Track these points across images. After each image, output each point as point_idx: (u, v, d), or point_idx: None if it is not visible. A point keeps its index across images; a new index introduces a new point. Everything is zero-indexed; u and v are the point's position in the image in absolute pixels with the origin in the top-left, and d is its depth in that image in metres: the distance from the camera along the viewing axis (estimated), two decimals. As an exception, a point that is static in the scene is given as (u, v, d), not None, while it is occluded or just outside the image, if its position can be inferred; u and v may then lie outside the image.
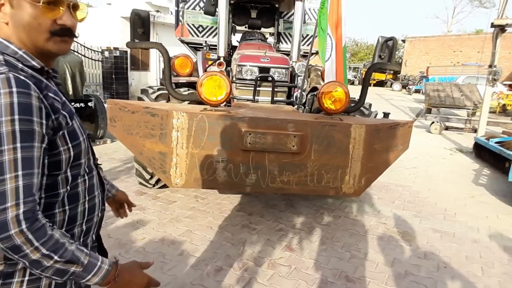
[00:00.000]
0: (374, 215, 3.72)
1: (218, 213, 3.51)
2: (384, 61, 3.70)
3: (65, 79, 5.38)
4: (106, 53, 10.65)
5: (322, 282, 2.50)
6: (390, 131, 3.10)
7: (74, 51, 9.51)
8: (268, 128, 2.69)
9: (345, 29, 3.07)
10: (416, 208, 3.98)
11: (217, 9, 5.72)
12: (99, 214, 1.07)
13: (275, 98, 3.74)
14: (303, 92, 4.10)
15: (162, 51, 3.15)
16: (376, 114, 4.13)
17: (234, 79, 3.78)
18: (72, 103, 4.87)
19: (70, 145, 0.90)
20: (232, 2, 5.67)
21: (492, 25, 6.20)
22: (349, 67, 33.51)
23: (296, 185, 2.85)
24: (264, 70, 3.67)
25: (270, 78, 3.62)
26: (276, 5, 5.84)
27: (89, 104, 5.58)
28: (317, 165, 2.82)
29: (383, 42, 3.67)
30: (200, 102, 3.52)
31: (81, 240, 0.98)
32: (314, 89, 4.50)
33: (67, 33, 0.92)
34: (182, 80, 4.20)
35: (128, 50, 11.29)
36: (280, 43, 6.23)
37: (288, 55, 6.22)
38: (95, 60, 10.75)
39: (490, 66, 6.37)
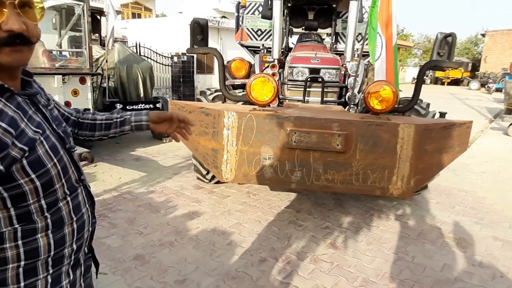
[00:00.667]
0: (429, 219, 3.57)
1: (267, 209, 3.67)
2: (443, 59, 3.55)
3: (137, 83, 5.99)
4: (175, 59, 11.47)
5: (363, 281, 2.52)
6: (444, 132, 2.98)
7: (147, 57, 10.45)
8: (312, 127, 2.78)
9: (395, 27, 3.02)
10: (478, 214, 3.72)
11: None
12: (90, 229, 0.99)
13: (325, 99, 3.78)
14: (355, 92, 4.08)
15: (216, 55, 3.41)
16: (434, 114, 3.94)
17: (285, 80, 3.91)
18: (143, 105, 5.42)
19: (33, 176, 0.78)
20: (289, 4, 5.81)
21: None
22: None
23: (340, 184, 2.89)
24: (314, 71, 3.74)
25: (319, 79, 3.68)
26: (334, 5, 5.83)
27: (157, 105, 6.14)
28: (363, 164, 2.84)
29: (442, 38, 3.52)
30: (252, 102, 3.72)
31: (73, 257, 0.92)
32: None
33: (17, 41, 0.75)
34: (238, 82, 4.45)
35: (195, 55, 12.03)
36: (338, 43, 6.19)
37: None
38: (165, 65, 11.65)
39: None
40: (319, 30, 6.02)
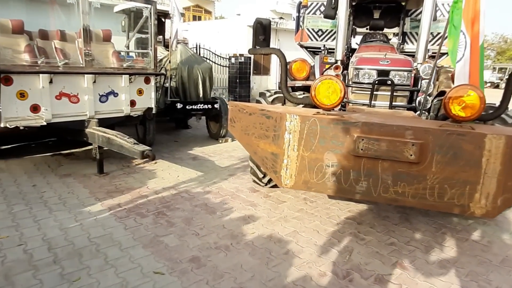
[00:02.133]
0: (513, 243, 3.13)
1: (325, 218, 3.48)
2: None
3: (197, 83, 6.11)
4: (233, 60, 11.64)
5: (437, 309, 2.24)
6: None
7: (206, 58, 10.71)
8: (383, 134, 2.56)
9: (483, 25, 2.66)
10: None
11: (337, 12, 5.66)
12: None
13: (394, 103, 3.50)
14: (427, 97, 3.72)
15: (280, 56, 3.29)
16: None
17: (350, 82, 3.68)
18: (201, 104, 5.51)
19: None
20: (353, 3, 5.53)
21: None
22: (494, 68, 28.72)
23: (412, 198, 2.64)
24: (383, 73, 3.47)
25: (389, 82, 3.40)
26: (403, 3, 5.45)
27: (215, 105, 6.20)
28: (439, 178, 2.56)
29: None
30: (315, 105, 3.55)
31: None
32: (442, 93, 4.03)
33: None
34: (298, 83, 4.30)
35: (252, 56, 12.09)
36: (405, 43, 5.78)
37: (413, 56, 5.75)
38: (223, 66, 11.86)
39: None
40: (385, 30, 5.67)
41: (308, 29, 6.18)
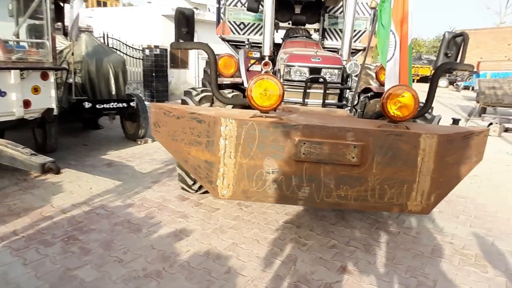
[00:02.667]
0: (437, 232, 3.33)
1: (264, 224, 3.29)
2: (451, 60, 3.30)
3: (108, 79, 5.38)
4: (147, 51, 10.77)
5: (386, 314, 2.21)
6: (463, 141, 2.71)
7: (116, 49, 9.69)
8: (324, 137, 2.43)
9: (411, 26, 2.71)
10: (485, 225, 3.53)
11: (260, 6, 5.49)
12: None
13: (326, 101, 3.44)
14: (354, 94, 3.77)
15: (208, 52, 2.95)
16: (440, 119, 3.71)
17: (281, 80, 3.52)
18: (115, 103, 4.85)
19: None
20: None
21: None
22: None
23: (354, 201, 2.57)
24: (315, 70, 3.38)
25: (321, 80, 3.33)
26: (322, 0, 5.52)
27: (131, 104, 5.56)
28: (380, 179, 2.52)
29: (450, 39, 3.27)
30: (246, 106, 3.30)
31: None
32: (367, 90, 4.15)
33: None
34: (226, 81, 4.00)
35: (168, 48, 11.36)
36: (325, 39, 5.90)
37: (334, 51, 5.89)
38: (136, 58, 10.91)
39: None
40: (306, 26, 5.70)
41: (230, 21, 5.91)
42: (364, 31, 6.06)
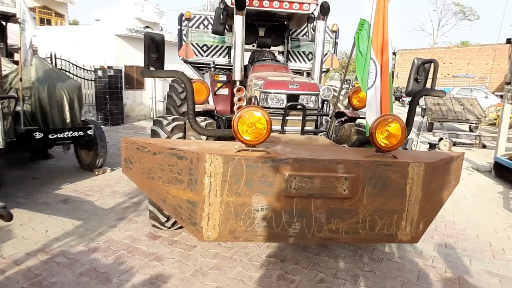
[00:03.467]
0: (417, 255, 3.35)
1: (246, 261, 3.09)
2: (420, 85, 3.41)
3: (62, 106, 4.92)
4: (100, 72, 10.21)
5: None
6: (445, 167, 2.76)
7: (65, 71, 9.05)
8: (315, 170, 2.35)
9: (391, 53, 2.75)
10: (459, 243, 3.63)
11: (226, 29, 5.42)
12: None
13: (304, 128, 3.38)
14: (329, 119, 3.77)
15: (184, 81, 2.76)
16: (412, 142, 3.81)
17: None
18: (70, 132, 4.41)
19: None
20: None
21: (509, 41, 6.03)
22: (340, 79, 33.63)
23: (346, 234, 2.49)
24: (292, 97, 3.32)
25: (300, 107, 3.26)
26: (286, 23, 5.59)
27: (88, 132, 5.12)
28: (370, 210, 2.48)
29: (420, 65, 3.38)
30: (220, 137, 3.14)
31: None
32: (340, 114, 4.17)
33: None
34: (198, 108, 3.79)
35: (123, 69, 10.88)
36: (289, 61, 5.97)
37: (299, 73, 5.94)
38: (87, 79, 10.29)
39: (508, 83, 6.18)
40: (271, 48, 5.71)
41: (193, 44, 5.77)
42: (327, 53, 6.23)
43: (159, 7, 22.50)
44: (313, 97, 3.37)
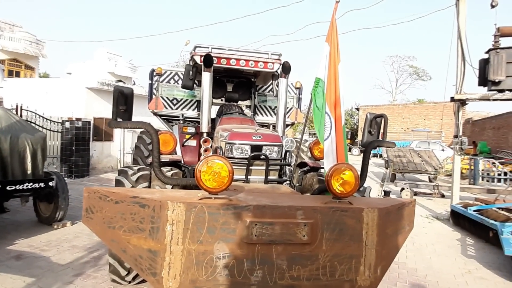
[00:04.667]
0: (381, 303, 3.38)
1: (209, 315, 2.98)
2: (374, 136, 3.69)
3: (24, 157, 4.81)
4: (67, 124, 10.11)
5: None
6: (398, 213, 2.93)
7: (30, 122, 8.91)
8: (275, 216, 2.43)
9: (343, 108, 3.02)
10: (421, 290, 3.72)
11: (195, 84, 5.70)
12: None
13: (268, 178, 3.51)
14: (291, 168, 3.93)
15: (151, 131, 2.87)
16: (370, 190, 4.01)
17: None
18: (30, 183, 4.29)
19: None
20: None
21: (452, 99, 6.69)
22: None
23: (307, 281, 2.52)
24: (256, 148, 3.48)
25: (263, 157, 3.42)
26: (252, 79, 5.95)
27: (50, 183, 4.98)
28: (329, 255, 2.55)
29: (372, 118, 3.69)
30: (186, 186, 3.19)
31: None
32: (302, 164, 4.37)
33: None
34: (165, 158, 3.87)
35: (92, 121, 10.84)
36: (256, 115, 6.27)
37: (265, 126, 6.22)
38: (53, 131, 10.13)
39: (456, 137, 6.75)
40: (238, 102, 6.01)
41: (163, 97, 5.98)
42: (291, 108, 6.61)
43: (132, 62, 23.14)
44: (276, 148, 3.55)
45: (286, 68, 4.36)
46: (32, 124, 7.20)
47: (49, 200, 5.39)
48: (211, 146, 4.09)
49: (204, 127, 4.25)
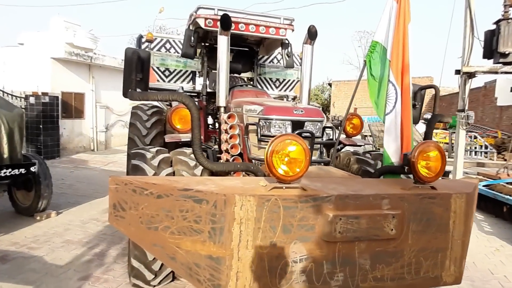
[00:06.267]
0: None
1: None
2: (417, 111, 3.35)
3: (-2, 138, 4.00)
4: (32, 99, 8.97)
5: None
6: (474, 195, 2.60)
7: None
8: (359, 208, 2.01)
9: (411, 76, 2.60)
10: (464, 274, 3.50)
11: (197, 51, 5.04)
12: None
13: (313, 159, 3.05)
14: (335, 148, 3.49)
15: (190, 105, 2.27)
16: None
17: (258, 135, 3.00)
18: (7, 169, 3.56)
19: None
20: (206, 44, 5.07)
21: (458, 72, 6.51)
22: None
23: (391, 281, 2.17)
24: (297, 124, 2.99)
25: (308, 134, 2.93)
26: (255, 48, 5.38)
27: (32, 169, 4.20)
28: (415, 250, 2.20)
29: (417, 91, 3.31)
30: (226, 172, 2.70)
31: None
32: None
33: None
34: (184, 137, 3.26)
35: (59, 95, 9.72)
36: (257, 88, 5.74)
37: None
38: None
39: (461, 111, 6.62)
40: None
41: (154, 68, 5.27)
42: (298, 81, 6.12)
43: (93, 32, 21.24)
44: (318, 124, 3.08)
45: (312, 34, 3.83)
46: (7, 99, 6.18)
47: (28, 187, 4.61)
48: (236, 123, 3.53)
49: (222, 101, 3.64)
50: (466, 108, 6.57)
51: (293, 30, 4.36)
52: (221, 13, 3.90)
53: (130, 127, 4.73)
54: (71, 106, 10.30)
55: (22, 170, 4.07)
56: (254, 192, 1.81)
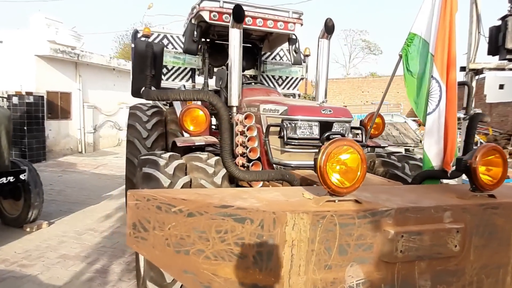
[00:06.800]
0: None
1: None
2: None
3: (-17, 143, 3.58)
4: (15, 99, 8.43)
5: None
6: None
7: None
8: (420, 222, 1.76)
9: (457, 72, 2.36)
10: None
11: (199, 47, 4.73)
12: None
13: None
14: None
15: (219, 106, 1.97)
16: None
17: (285, 138, 2.69)
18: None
19: None
20: (207, 40, 4.77)
21: (463, 69, 6.37)
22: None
23: (452, 302, 1.92)
24: (326, 125, 2.71)
25: (338, 136, 2.66)
26: (259, 44, 5.10)
27: (21, 176, 3.80)
28: (477, 267, 1.96)
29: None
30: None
31: None
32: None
33: None
34: (198, 141, 2.93)
35: (45, 95, 9.18)
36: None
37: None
38: (-2, 108, 8.41)
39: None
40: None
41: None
42: (302, 78, 5.86)
43: (75, 30, 20.50)
44: (347, 125, 2.82)
45: (329, 28, 3.56)
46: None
47: (16, 196, 4.19)
48: (253, 124, 3.22)
49: (234, 100, 3.32)
50: (473, 105, 6.45)
51: (301, 25, 4.09)
52: (226, 5, 3.60)
53: (129, 129, 4.37)
54: (57, 106, 9.77)
55: (11, 178, 3.67)
56: (307, 209, 1.54)
